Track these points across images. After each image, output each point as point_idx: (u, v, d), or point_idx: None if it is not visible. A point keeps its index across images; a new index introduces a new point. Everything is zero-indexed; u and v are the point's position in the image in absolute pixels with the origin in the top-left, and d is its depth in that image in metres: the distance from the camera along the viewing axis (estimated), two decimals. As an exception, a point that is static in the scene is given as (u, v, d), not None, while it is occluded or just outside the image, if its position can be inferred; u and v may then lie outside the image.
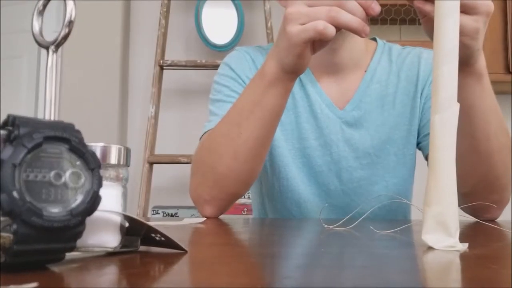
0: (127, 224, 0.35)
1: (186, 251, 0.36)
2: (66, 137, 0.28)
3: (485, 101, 0.64)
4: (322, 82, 0.86)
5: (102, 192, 0.29)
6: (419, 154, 0.87)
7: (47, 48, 0.34)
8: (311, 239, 0.51)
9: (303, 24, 0.58)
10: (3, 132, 0.27)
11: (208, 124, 0.81)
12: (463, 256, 0.35)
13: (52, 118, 0.33)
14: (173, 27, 2.20)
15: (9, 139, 0.26)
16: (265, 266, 0.33)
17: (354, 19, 0.56)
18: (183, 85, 2.27)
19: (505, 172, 0.70)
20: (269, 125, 0.70)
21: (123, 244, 0.35)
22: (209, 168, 0.73)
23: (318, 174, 0.84)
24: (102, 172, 0.30)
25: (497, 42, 1.99)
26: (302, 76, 0.83)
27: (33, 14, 0.35)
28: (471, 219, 0.63)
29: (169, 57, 2.09)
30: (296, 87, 0.84)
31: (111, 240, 0.34)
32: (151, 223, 0.35)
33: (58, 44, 0.33)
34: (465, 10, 0.53)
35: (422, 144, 0.85)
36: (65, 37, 0.33)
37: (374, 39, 0.92)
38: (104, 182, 0.30)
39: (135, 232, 0.36)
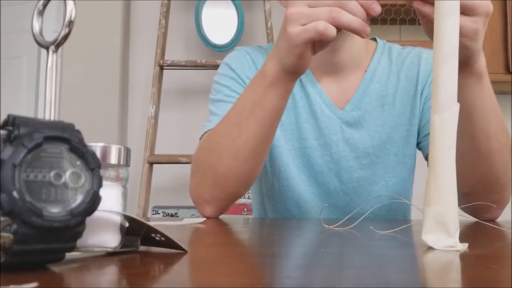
0: (127, 224, 0.35)
1: (186, 251, 0.36)
2: (66, 137, 0.28)
3: (485, 101, 0.64)
4: (322, 82, 0.86)
5: (102, 192, 0.29)
6: (419, 154, 0.87)
7: (47, 48, 0.34)
8: (311, 239, 0.51)
9: (304, 24, 0.58)
10: (3, 132, 0.27)
11: (208, 124, 0.81)
12: (463, 256, 0.35)
13: (52, 118, 0.33)
14: (173, 27, 2.20)
15: (9, 139, 0.26)
16: (265, 266, 0.33)
17: (355, 20, 0.56)
18: (183, 85, 2.27)
19: (505, 172, 0.70)
20: (270, 126, 0.70)
21: (123, 244, 0.35)
22: (209, 168, 0.73)
23: (318, 174, 0.84)
24: (102, 172, 0.30)
25: (497, 42, 1.99)
26: (302, 76, 0.82)
27: (33, 14, 0.35)
28: (471, 219, 0.63)
29: (169, 57, 2.10)
30: (296, 87, 0.84)
31: (111, 240, 0.34)
32: (151, 223, 0.35)
33: (58, 44, 0.33)
34: (464, 11, 0.53)
35: (422, 144, 0.85)
36: (65, 37, 0.33)
37: (374, 39, 0.92)
38: (104, 182, 0.30)
39: (135, 232, 0.36)
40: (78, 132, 0.29)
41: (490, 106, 0.65)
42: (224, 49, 2.12)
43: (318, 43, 0.61)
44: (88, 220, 0.29)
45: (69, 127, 0.29)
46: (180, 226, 0.59)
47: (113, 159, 0.35)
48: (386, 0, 1.92)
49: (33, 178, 0.26)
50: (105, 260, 0.33)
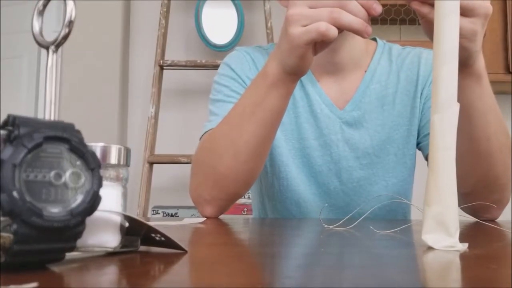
0: (127, 224, 0.35)
1: (186, 251, 0.36)
2: (66, 137, 0.28)
3: (484, 102, 0.64)
4: (322, 82, 0.86)
5: (102, 192, 0.29)
6: (419, 154, 0.87)
7: (47, 48, 0.34)
8: (311, 239, 0.51)
9: (305, 25, 0.58)
10: (3, 132, 0.27)
11: (208, 124, 0.81)
12: (463, 256, 0.35)
13: (52, 118, 0.33)
14: (173, 27, 2.20)
15: (9, 139, 0.26)
16: (265, 266, 0.33)
17: (356, 20, 0.56)
18: (183, 85, 2.27)
19: (505, 172, 0.70)
20: (270, 126, 0.70)
21: (123, 244, 0.35)
22: (209, 168, 0.73)
23: (318, 174, 0.84)
24: (102, 172, 0.30)
25: (497, 42, 1.99)
26: (302, 76, 0.83)
27: (33, 14, 0.35)
28: (471, 219, 0.63)
29: (169, 57, 2.10)
30: (296, 87, 0.84)
31: (111, 240, 0.34)
32: (151, 223, 0.35)
33: (58, 44, 0.33)
34: (463, 12, 0.52)
35: (422, 144, 0.85)
36: (65, 37, 0.33)
37: (374, 39, 0.92)
38: (104, 182, 0.30)
39: (135, 232, 0.36)
40: (78, 132, 0.29)
41: (489, 106, 0.65)
42: (224, 49, 2.12)
43: (319, 44, 0.61)
44: (88, 220, 0.29)
45: (69, 127, 0.29)
46: (180, 226, 0.59)
47: (113, 159, 0.35)
48: (386, 0, 1.92)
49: (33, 178, 0.26)
50: (105, 260, 0.33)
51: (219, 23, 2.13)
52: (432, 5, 0.50)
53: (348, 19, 0.56)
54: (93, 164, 0.29)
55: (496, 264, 0.33)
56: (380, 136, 0.84)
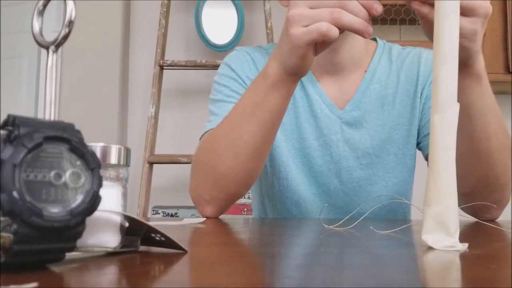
0: (127, 224, 0.35)
1: (186, 251, 0.36)
2: (66, 137, 0.28)
3: (484, 102, 0.64)
4: (322, 82, 0.86)
5: (102, 192, 0.29)
6: (419, 154, 0.87)
7: (47, 48, 0.34)
8: (311, 239, 0.51)
9: (306, 26, 0.58)
10: (3, 132, 0.27)
11: (208, 124, 0.81)
12: (463, 256, 0.35)
13: (52, 118, 0.33)
14: (173, 27, 2.20)
15: (9, 139, 0.26)
16: (265, 266, 0.33)
17: (357, 20, 0.56)
18: (183, 85, 2.27)
19: (505, 172, 0.70)
20: (271, 127, 0.70)
21: (123, 244, 0.35)
22: (209, 168, 0.73)
23: (318, 174, 0.84)
24: (102, 172, 0.30)
25: (497, 42, 1.99)
26: (302, 76, 0.83)
27: (33, 14, 0.35)
28: (471, 219, 0.63)
29: (169, 57, 2.10)
30: (296, 87, 0.84)
31: (111, 240, 0.34)
32: (151, 223, 0.35)
33: (58, 44, 0.33)
34: (462, 12, 0.52)
35: (422, 144, 0.85)
36: (65, 37, 0.33)
37: (374, 39, 0.92)
38: (104, 182, 0.30)
39: (135, 232, 0.36)
40: (78, 132, 0.29)
41: (489, 106, 0.65)
42: (224, 49, 2.12)
43: (320, 44, 0.61)
44: (88, 220, 0.29)
45: (69, 127, 0.29)
46: (180, 226, 0.59)
47: (113, 159, 0.35)
48: (386, 0, 1.92)
49: (33, 178, 0.26)
50: (105, 260, 0.33)
51: (219, 23, 2.13)
52: (432, 5, 0.50)
53: (349, 19, 0.56)
54: (93, 164, 0.29)
55: (496, 264, 0.33)
56: (380, 136, 0.84)
